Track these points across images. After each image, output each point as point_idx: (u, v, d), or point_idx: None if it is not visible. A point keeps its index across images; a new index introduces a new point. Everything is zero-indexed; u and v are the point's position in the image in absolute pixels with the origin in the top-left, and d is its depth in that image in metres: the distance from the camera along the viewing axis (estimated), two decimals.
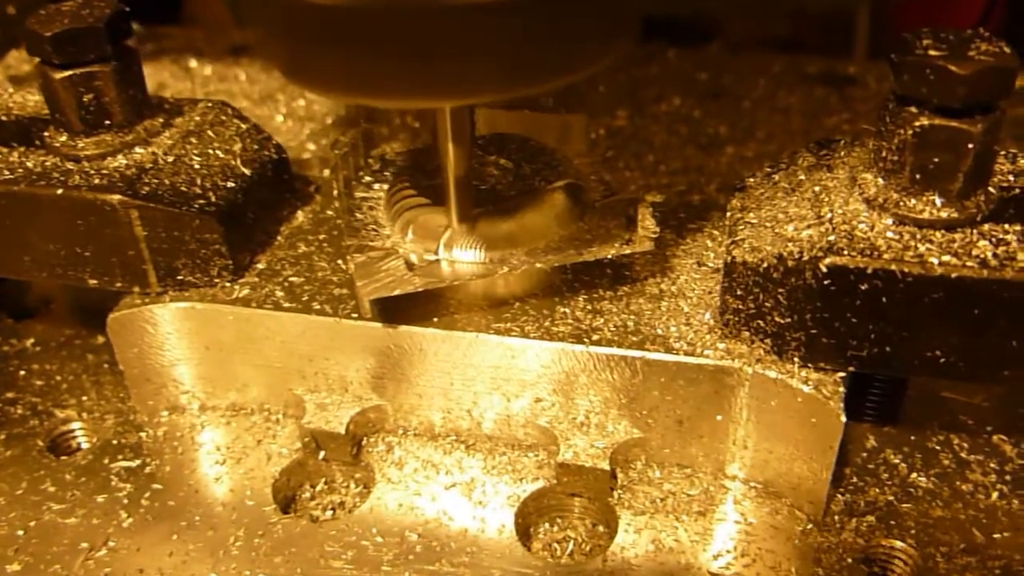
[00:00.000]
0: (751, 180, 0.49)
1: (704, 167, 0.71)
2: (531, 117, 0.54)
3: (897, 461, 0.48)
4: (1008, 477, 0.47)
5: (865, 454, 0.49)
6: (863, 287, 0.40)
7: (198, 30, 0.96)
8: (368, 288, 0.45)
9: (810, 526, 0.45)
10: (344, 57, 0.36)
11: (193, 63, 0.90)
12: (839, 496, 0.47)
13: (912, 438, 0.50)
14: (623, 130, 0.76)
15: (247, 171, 0.51)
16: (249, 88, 0.85)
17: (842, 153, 0.47)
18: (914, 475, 0.48)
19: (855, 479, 0.47)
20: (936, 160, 0.40)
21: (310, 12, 0.35)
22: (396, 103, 0.40)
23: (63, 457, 0.51)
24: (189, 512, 0.47)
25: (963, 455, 0.49)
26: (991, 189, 0.42)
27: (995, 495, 0.47)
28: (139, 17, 0.98)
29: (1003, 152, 0.46)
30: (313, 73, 0.38)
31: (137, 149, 0.50)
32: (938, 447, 0.49)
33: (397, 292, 0.45)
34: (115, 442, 0.51)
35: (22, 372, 0.56)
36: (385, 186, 0.51)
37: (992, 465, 0.48)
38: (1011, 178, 0.44)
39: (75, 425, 0.53)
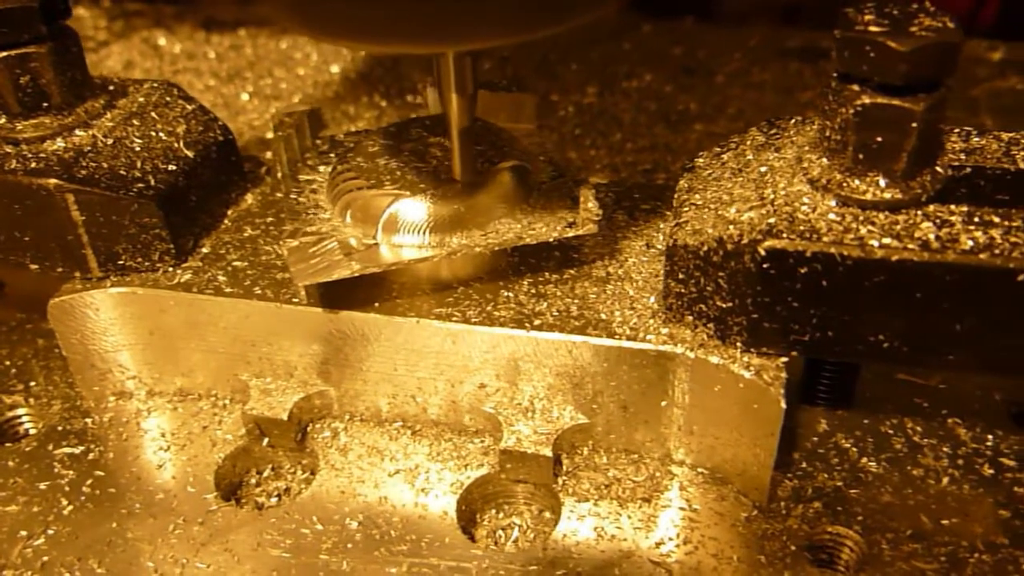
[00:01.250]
0: (700, 160, 0.47)
1: (671, 144, 0.70)
2: (483, 96, 0.53)
3: (848, 446, 0.48)
4: (960, 462, 0.47)
5: (816, 439, 0.48)
6: (803, 271, 0.39)
7: (169, 5, 0.94)
8: (303, 273, 0.44)
9: (755, 513, 0.44)
10: (350, 1, 0.36)
11: (162, 41, 0.89)
12: (787, 482, 0.46)
13: (865, 422, 0.49)
14: (592, 107, 0.75)
15: (190, 153, 0.51)
16: (218, 66, 0.84)
17: (792, 132, 0.45)
18: (865, 460, 0.47)
19: (804, 464, 0.47)
20: (879, 139, 0.39)
21: None
22: (400, 48, 0.39)
23: (8, 444, 0.50)
24: (130, 499, 0.47)
25: (916, 439, 0.48)
26: (939, 168, 0.41)
27: (946, 480, 0.46)
28: None
29: (957, 129, 0.45)
30: (321, 18, 0.38)
31: (77, 132, 0.49)
32: (891, 431, 0.48)
33: (334, 277, 0.44)
34: (60, 428, 0.51)
35: None
36: (329, 168, 0.50)
37: (945, 449, 0.47)
38: (963, 156, 0.43)
39: (21, 411, 0.52)
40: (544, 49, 0.83)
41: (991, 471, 0.46)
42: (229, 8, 0.97)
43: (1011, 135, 0.44)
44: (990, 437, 0.48)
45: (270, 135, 0.70)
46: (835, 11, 0.40)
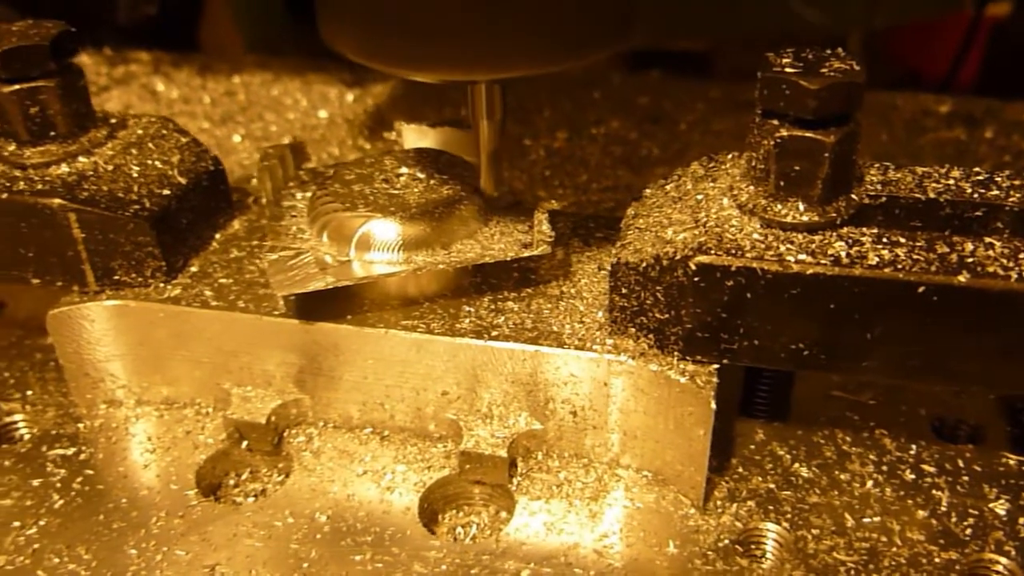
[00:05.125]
0: (647, 191, 0.52)
1: (633, 186, 0.75)
2: (451, 133, 0.58)
3: (782, 453, 0.52)
4: (884, 468, 0.51)
5: (753, 446, 0.52)
6: (729, 284, 0.44)
7: (168, 54, 1.00)
8: (281, 284, 0.48)
9: (692, 511, 0.48)
10: (400, 37, 0.44)
11: (160, 86, 0.95)
12: (723, 484, 0.50)
13: (799, 432, 0.53)
14: (560, 151, 0.80)
15: (183, 180, 0.55)
16: (212, 110, 0.90)
17: (728, 165, 0.50)
18: (797, 465, 0.51)
19: (740, 469, 0.51)
20: (797, 168, 0.44)
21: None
22: (443, 76, 0.47)
23: (4, 446, 0.54)
24: (116, 495, 0.50)
25: (845, 448, 0.52)
26: (854, 196, 0.46)
27: (870, 483, 0.50)
28: (157, 42, 1.03)
29: (877, 164, 0.50)
30: (381, 54, 0.46)
31: (80, 158, 0.54)
32: (822, 440, 0.52)
33: (309, 288, 0.48)
34: (54, 432, 0.54)
35: None
36: (309, 195, 0.55)
37: (871, 457, 0.51)
38: (879, 187, 0.48)
39: (18, 417, 0.56)
40: (520, 97, 0.89)
41: (912, 476, 0.50)
42: (225, 57, 1.02)
43: (924, 169, 0.49)
44: (913, 447, 0.52)
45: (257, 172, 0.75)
46: None
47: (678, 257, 0.45)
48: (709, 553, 0.46)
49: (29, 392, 0.57)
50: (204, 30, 1.30)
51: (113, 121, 0.57)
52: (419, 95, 0.89)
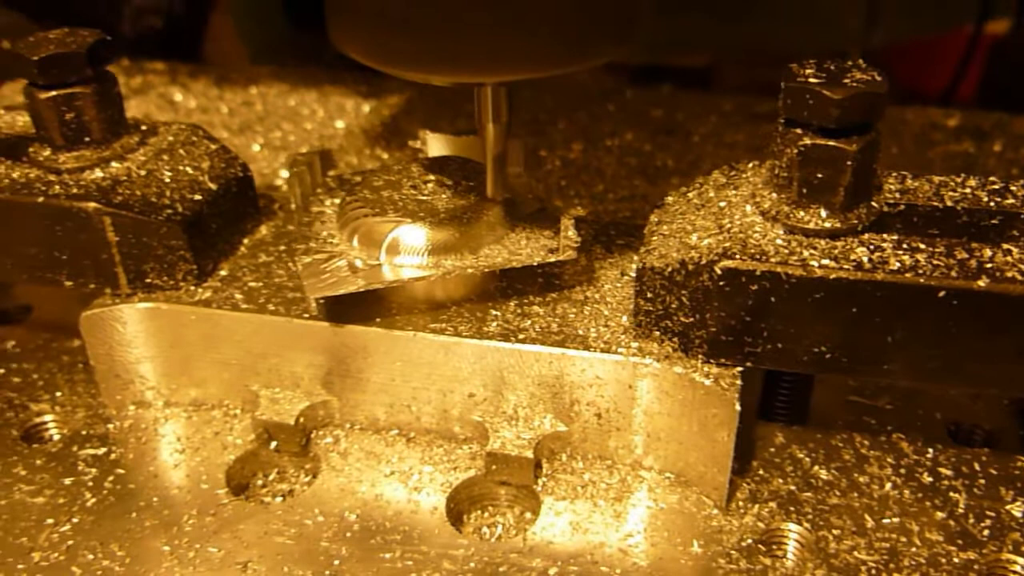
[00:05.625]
0: (669, 199, 0.53)
1: (649, 196, 0.76)
2: (476, 142, 0.59)
3: (802, 456, 0.53)
4: (903, 471, 0.52)
5: (773, 449, 0.53)
6: (753, 288, 0.45)
7: (184, 65, 1.01)
8: (314, 287, 0.49)
9: (715, 511, 0.49)
10: (407, 39, 0.45)
11: (178, 96, 0.96)
12: (745, 485, 0.51)
13: (818, 436, 0.54)
14: (576, 161, 0.81)
15: (213, 186, 0.56)
16: (230, 120, 0.91)
17: (749, 174, 0.51)
18: (816, 468, 0.52)
19: (761, 471, 0.52)
20: (819, 176, 0.45)
21: (381, 1, 0.44)
22: (449, 78, 0.47)
23: (35, 445, 0.55)
24: (147, 494, 0.51)
25: (863, 451, 0.53)
26: (874, 203, 0.47)
27: (888, 486, 0.51)
28: (162, 55, 1.04)
29: (895, 173, 0.51)
30: (388, 55, 0.46)
31: (113, 164, 0.55)
32: (841, 444, 0.53)
33: (340, 291, 0.49)
34: (84, 432, 0.55)
35: (1, 371, 0.60)
36: (338, 201, 0.56)
37: (889, 460, 0.52)
38: (897, 195, 0.49)
39: (48, 417, 0.57)
40: (535, 110, 0.90)
41: (930, 479, 0.51)
42: (241, 68, 1.04)
43: (941, 178, 0.50)
44: (930, 451, 0.53)
45: (279, 181, 0.76)
46: None
47: (704, 262, 0.46)
48: (733, 552, 0.47)
49: (58, 393, 0.58)
50: (208, 42, 1.31)
51: (144, 128, 0.58)
52: (434, 105, 0.91)
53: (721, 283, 0.45)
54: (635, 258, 0.56)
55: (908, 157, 0.83)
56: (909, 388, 0.57)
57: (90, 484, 0.52)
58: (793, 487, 0.51)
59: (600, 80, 1.08)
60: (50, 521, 0.50)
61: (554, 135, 0.86)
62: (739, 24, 1.22)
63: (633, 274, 0.54)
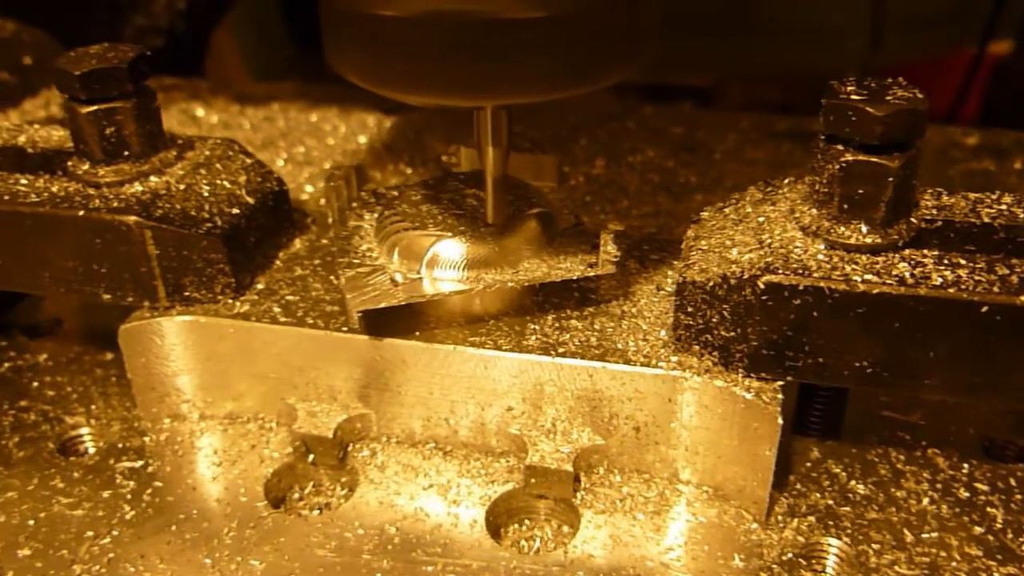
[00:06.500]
0: (705, 214, 0.54)
1: (673, 212, 0.76)
2: (511, 156, 0.60)
3: (838, 470, 0.53)
4: (939, 486, 0.52)
5: (809, 464, 0.53)
6: (796, 302, 0.45)
7: (205, 81, 1.02)
8: (356, 301, 0.50)
9: (755, 525, 0.49)
10: (404, 61, 0.44)
11: (200, 112, 0.96)
12: (783, 499, 0.51)
13: (853, 451, 0.54)
14: (600, 177, 0.81)
15: (251, 200, 0.57)
16: (253, 135, 0.91)
17: (785, 189, 0.52)
18: (853, 482, 0.52)
19: (798, 485, 0.52)
20: (860, 192, 0.46)
21: (378, 23, 0.43)
22: (446, 101, 0.47)
23: (72, 458, 0.55)
24: (186, 506, 0.51)
25: (899, 466, 0.53)
26: (913, 220, 0.47)
27: (926, 501, 0.51)
28: (164, 73, 1.05)
29: (930, 190, 0.51)
30: (383, 77, 0.46)
31: (152, 178, 0.55)
32: (876, 459, 0.54)
33: (383, 305, 0.50)
34: (120, 445, 0.55)
35: (35, 384, 0.61)
36: (375, 215, 0.56)
37: (925, 475, 0.52)
38: (935, 212, 0.49)
39: (83, 430, 0.57)
40: (556, 126, 0.91)
41: (967, 494, 0.51)
42: (260, 85, 1.04)
43: (977, 195, 0.51)
44: (965, 466, 0.53)
45: (304, 196, 0.76)
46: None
47: (746, 276, 0.46)
48: (774, 567, 0.47)
49: (93, 406, 0.58)
50: (210, 61, 1.32)
51: (180, 142, 0.59)
52: (456, 120, 0.91)
53: (764, 298, 0.46)
54: (671, 273, 0.57)
55: (928, 175, 0.83)
56: (940, 403, 0.57)
57: (128, 497, 0.52)
58: (831, 501, 0.51)
59: (616, 97, 1.09)
60: (90, 534, 0.50)
61: (576, 151, 0.87)
62: (742, 44, 1.23)
63: (670, 288, 0.55)
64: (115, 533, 0.50)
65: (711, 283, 0.47)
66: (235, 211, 0.55)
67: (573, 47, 0.44)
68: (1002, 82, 1.29)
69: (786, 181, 0.53)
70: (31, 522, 0.50)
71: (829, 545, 0.49)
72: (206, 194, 0.55)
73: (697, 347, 0.49)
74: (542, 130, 0.90)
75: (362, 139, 0.90)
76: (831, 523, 0.49)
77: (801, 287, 0.45)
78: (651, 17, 0.47)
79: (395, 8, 0.43)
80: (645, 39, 0.48)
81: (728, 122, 0.93)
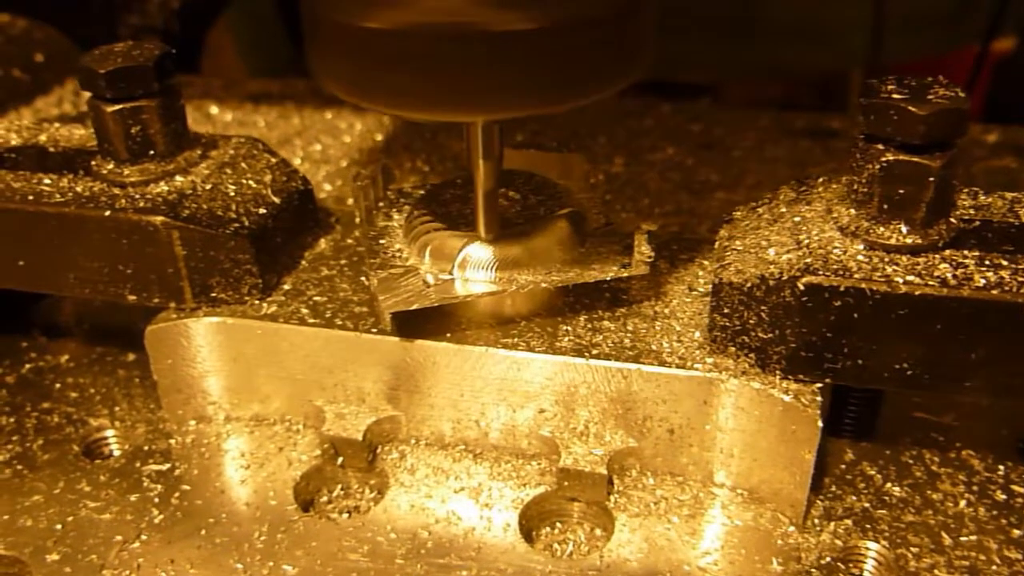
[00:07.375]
0: (737, 213, 0.53)
1: (696, 210, 0.76)
2: (536, 155, 0.59)
3: (873, 472, 0.52)
4: (975, 488, 0.51)
5: (843, 466, 0.53)
6: (836, 304, 0.45)
7: (216, 79, 1.01)
8: (389, 302, 0.49)
9: (791, 528, 0.49)
10: (393, 75, 0.42)
11: (214, 109, 0.96)
12: (819, 502, 0.50)
13: (887, 452, 0.53)
14: (620, 176, 0.81)
15: (277, 199, 0.56)
16: (268, 133, 0.91)
17: (819, 189, 0.51)
18: (888, 485, 0.51)
19: (834, 488, 0.51)
20: (901, 192, 0.45)
21: (364, 35, 0.42)
22: (435, 116, 0.45)
23: (97, 461, 0.54)
24: (216, 510, 0.51)
25: (934, 468, 0.53)
26: (952, 220, 0.47)
27: (963, 503, 0.50)
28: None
29: (967, 189, 0.51)
30: (370, 92, 0.44)
31: (178, 177, 0.54)
32: (911, 461, 0.53)
33: (415, 306, 0.49)
34: (146, 448, 0.55)
35: (57, 385, 0.60)
36: (403, 215, 0.55)
37: (961, 477, 0.52)
38: (972, 211, 0.49)
39: (108, 432, 0.56)
40: (574, 125, 0.90)
41: (1003, 496, 0.51)
42: (273, 83, 1.04)
43: (1014, 195, 0.50)
44: (1001, 468, 0.53)
45: (322, 194, 0.76)
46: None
47: (785, 277, 0.45)
48: (813, 571, 0.47)
49: (117, 408, 0.58)
50: (207, 61, 1.31)
51: (205, 141, 0.58)
52: None
53: (803, 299, 0.45)
54: (702, 273, 0.56)
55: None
56: (973, 404, 0.57)
57: (156, 500, 0.51)
58: (867, 504, 0.50)
59: (634, 95, 1.08)
60: (119, 538, 0.49)
61: (595, 149, 0.86)
62: (744, 43, 1.22)
63: (702, 289, 0.54)
64: (144, 537, 0.49)
65: (748, 284, 0.47)
66: (262, 211, 0.55)
67: (564, 60, 0.43)
68: (1005, 79, 1.28)
69: (820, 180, 0.52)
70: (58, 526, 0.50)
71: (867, 549, 0.48)
72: (232, 194, 0.54)
73: (733, 348, 0.49)
74: (559, 129, 0.90)
75: (379, 136, 0.89)
76: (868, 526, 0.49)
77: (842, 288, 0.44)
78: (645, 28, 0.46)
79: (381, 20, 0.41)
80: (639, 50, 0.46)
81: (746, 119, 0.92)
